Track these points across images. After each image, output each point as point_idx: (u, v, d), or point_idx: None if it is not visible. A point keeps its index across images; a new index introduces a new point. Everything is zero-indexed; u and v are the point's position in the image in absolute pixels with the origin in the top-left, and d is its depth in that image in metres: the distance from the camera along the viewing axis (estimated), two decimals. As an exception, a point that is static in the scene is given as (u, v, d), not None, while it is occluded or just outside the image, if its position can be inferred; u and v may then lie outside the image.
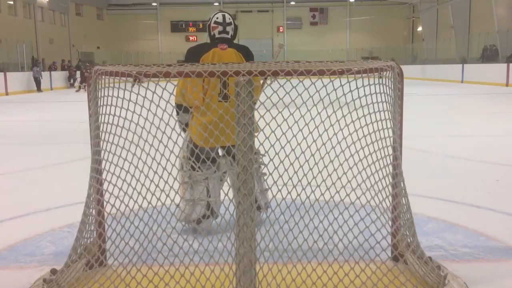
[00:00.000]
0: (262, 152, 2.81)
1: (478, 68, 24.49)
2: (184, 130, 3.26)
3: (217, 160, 3.06)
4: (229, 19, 3.35)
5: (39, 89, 22.53)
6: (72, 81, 25.80)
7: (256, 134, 2.27)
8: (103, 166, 2.47)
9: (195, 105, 3.09)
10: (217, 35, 3.30)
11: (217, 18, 3.32)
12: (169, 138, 2.31)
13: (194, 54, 3.27)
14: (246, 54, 3.36)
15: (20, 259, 2.93)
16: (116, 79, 2.26)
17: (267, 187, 3.24)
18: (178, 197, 2.41)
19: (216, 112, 2.71)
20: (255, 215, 2.21)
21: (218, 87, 3.09)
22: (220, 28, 3.30)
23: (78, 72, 25.42)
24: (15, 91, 20.89)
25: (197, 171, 3.08)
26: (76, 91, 23.38)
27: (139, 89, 2.28)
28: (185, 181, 3.13)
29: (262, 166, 3.18)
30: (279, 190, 2.36)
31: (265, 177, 3.25)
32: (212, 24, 3.33)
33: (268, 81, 2.90)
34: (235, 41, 3.44)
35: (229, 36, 3.34)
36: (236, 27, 3.37)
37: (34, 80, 22.58)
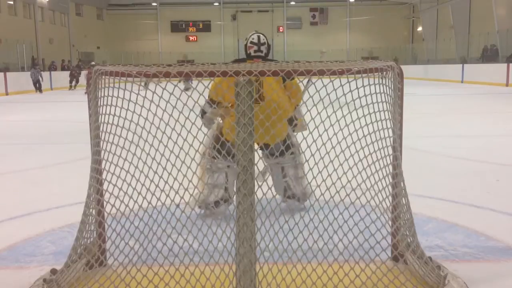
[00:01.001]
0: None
1: (478, 68, 24.50)
2: (209, 123, 3.58)
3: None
4: (263, 39, 3.74)
5: (39, 90, 21.95)
6: (74, 82, 24.97)
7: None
8: (103, 166, 2.47)
9: (227, 103, 3.36)
10: (252, 54, 3.69)
11: (253, 39, 3.71)
12: (169, 138, 2.31)
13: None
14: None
15: (20, 259, 2.93)
16: (116, 79, 2.26)
17: (302, 174, 3.55)
18: (178, 197, 2.42)
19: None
20: (255, 215, 2.21)
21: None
22: (255, 47, 3.69)
23: (82, 73, 24.61)
24: (15, 91, 20.88)
25: (219, 159, 3.43)
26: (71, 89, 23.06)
27: (138, 89, 2.28)
28: (207, 167, 3.45)
29: (298, 156, 3.56)
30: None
31: (302, 166, 3.58)
32: (249, 44, 3.72)
33: (308, 83, 3.07)
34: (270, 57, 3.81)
35: (263, 54, 3.71)
36: (269, 46, 3.76)
37: (33, 83, 21.81)
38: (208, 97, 3.49)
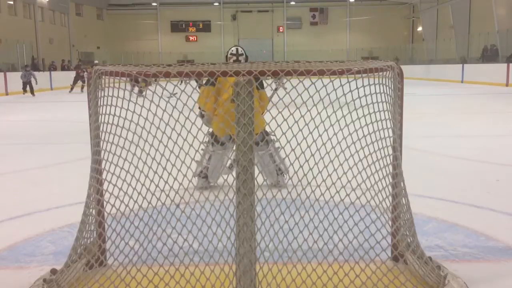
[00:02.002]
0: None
1: (478, 68, 24.50)
2: (208, 123, 4.32)
3: (226, 143, 4.25)
4: (241, 51, 4.64)
5: (32, 92, 20.43)
6: (81, 83, 23.79)
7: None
8: (103, 166, 2.47)
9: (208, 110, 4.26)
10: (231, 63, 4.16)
11: (232, 51, 4.62)
12: (169, 138, 2.31)
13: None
14: None
15: (20, 259, 2.93)
16: (116, 79, 2.26)
17: (283, 156, 4.23)
18: (178, 197, 2.42)
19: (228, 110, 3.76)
20: (255, 215, 2.21)
21: (230, 91, 3.96)
22: (234, 57, 4.60)
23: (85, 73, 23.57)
24: (15, 91, 20.86)
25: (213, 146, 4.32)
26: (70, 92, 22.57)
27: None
28: (202, 149, 4.14)
29: (275, 143, 4.28)
30: (279, 190, 2.36)
31: (279, 150, 4.37)
32: (228, 55, 4.62)
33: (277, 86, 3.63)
34: None
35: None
36: (247, 57, 4.67)
37: (23, 84, 20.33)
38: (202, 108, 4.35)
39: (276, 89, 3.58)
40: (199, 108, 4.34)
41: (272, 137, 4.11)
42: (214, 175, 4.32)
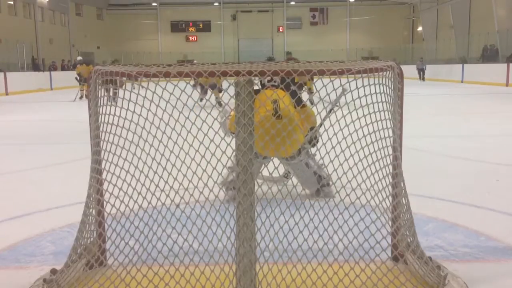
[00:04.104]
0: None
1: (478, 68, 24.50)
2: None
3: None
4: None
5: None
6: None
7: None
8: (103, 166, 2.47)
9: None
10: (266, 84, 3.90)
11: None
12: (169, 138, 2.31)
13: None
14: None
15: (20, 259, 2.93)
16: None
17: (321, 163, 3.73)
18: (178, 197, 2.43)
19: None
20: (255, 215, 2.21)
21: (271, 106, 3.67)
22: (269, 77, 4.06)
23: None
24: (15, 91, 20.87)
25: None
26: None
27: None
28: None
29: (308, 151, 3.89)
30: (279, 190, 2.36)
31: (315, 156, 3.91)
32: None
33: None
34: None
35: (276, 84, 3.92)
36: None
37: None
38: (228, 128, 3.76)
39: (331, 111, 3.12)
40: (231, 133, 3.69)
41: (305, 146, 3.79)
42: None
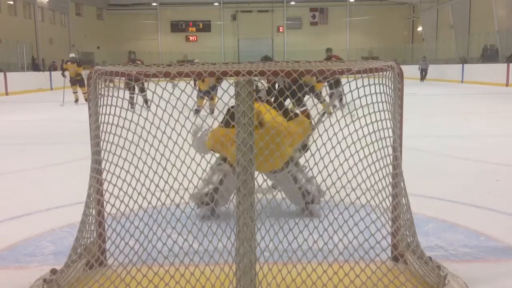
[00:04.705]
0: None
1: (478, 68, 24.49)
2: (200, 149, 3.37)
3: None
4: (261, 86, 3.70)
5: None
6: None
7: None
8: (103, 166, 2.47)
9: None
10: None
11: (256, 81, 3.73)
12: (169, 138, 2.31)
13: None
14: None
15: (20, 259, 2.93)
16: (116, 79, 2.26)
17: (311, 174, 3.33)
18: (178, 197, 2.42)
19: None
20: (255, 215, 2.21)
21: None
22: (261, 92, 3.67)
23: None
24: (15, 91, 20.86)
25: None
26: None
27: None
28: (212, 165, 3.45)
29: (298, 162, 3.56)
30: (279, 190, 2.36)
31: (306, 170, 3.52)
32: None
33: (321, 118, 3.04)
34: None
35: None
36: (268, 90, 3.75)
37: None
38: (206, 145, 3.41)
39: (324, 114, 2.74)
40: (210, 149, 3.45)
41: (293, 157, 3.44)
42: (225, 199, 3.33)
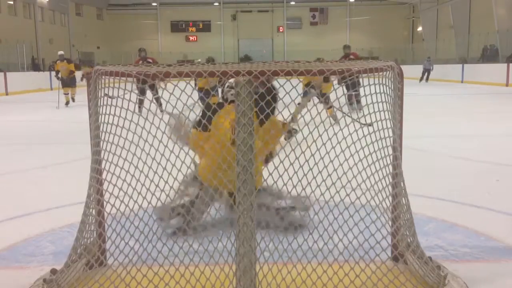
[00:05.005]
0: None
1: (478, 68, 24.48)
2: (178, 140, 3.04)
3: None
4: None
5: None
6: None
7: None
8: (103, 166, 2.47)
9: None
10: (230, 98, 3.46)
11: (229, 82, 3.48)
12: (169, 137, 2.31)
13: (214, 110, 3.04)
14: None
15: (20, 259, 2.93)
16: (116, 79, 2.27)
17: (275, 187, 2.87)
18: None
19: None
20: (254, 215, 2.21)
21: (227, 135, 3.16)
22: (233, 91, 3.39)
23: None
24: (15, 91, 20.86)
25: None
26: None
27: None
28: (186, 179, 3.10)
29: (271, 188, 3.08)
30: (279, 190, 2.36)
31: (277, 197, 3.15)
32: (225, 89, 3.55)
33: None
34: None
35: None
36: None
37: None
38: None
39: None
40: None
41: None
42: (197, 216, 3.06)
